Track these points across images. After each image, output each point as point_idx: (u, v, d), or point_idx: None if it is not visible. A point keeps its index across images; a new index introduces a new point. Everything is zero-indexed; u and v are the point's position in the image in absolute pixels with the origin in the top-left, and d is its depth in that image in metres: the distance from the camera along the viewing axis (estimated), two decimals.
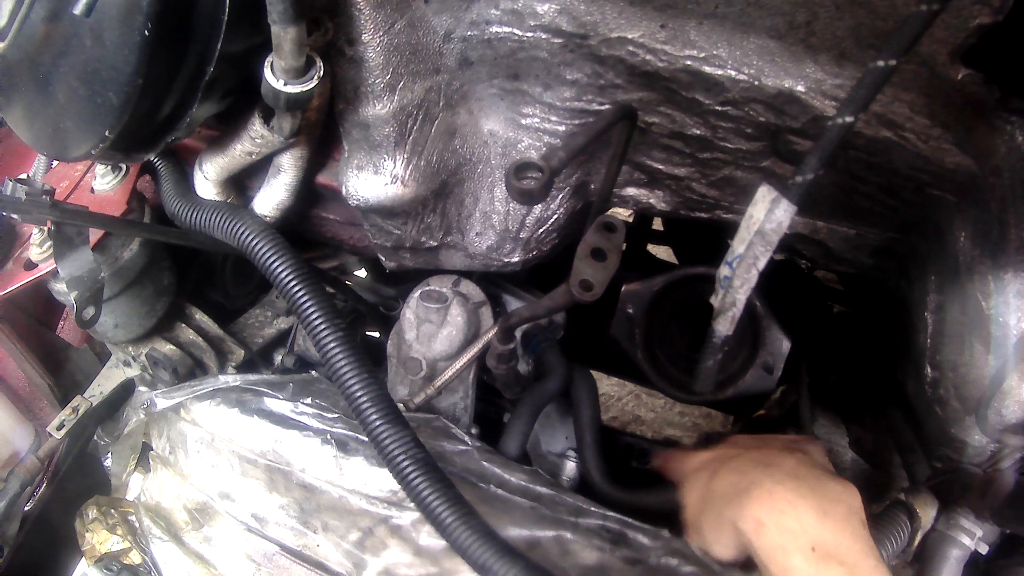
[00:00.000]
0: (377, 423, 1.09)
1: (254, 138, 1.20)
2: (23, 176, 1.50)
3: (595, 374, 1.50)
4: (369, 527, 1.25)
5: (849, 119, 0.82)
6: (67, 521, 1.58)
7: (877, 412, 1.55)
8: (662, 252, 2.09)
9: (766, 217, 0.88)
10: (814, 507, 0.95)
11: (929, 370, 1.19)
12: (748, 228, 0.91)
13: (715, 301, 1.03)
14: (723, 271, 0.98)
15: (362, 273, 1.94)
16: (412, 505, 1.07)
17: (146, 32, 0.95)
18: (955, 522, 1.27)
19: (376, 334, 1.90)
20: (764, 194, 0.90)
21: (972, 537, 1.26)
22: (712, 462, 1.16)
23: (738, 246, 0.94)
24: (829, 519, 0.94)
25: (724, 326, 1.05)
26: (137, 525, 1.48)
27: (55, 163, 1.47)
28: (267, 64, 1.04)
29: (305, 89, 1.05)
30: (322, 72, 1.05)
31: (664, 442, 1.87)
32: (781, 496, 0.97)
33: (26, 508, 1.69)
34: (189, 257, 1.57)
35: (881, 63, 0.79)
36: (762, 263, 0.93)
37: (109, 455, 1.65)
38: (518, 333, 1.40)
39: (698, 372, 1.17)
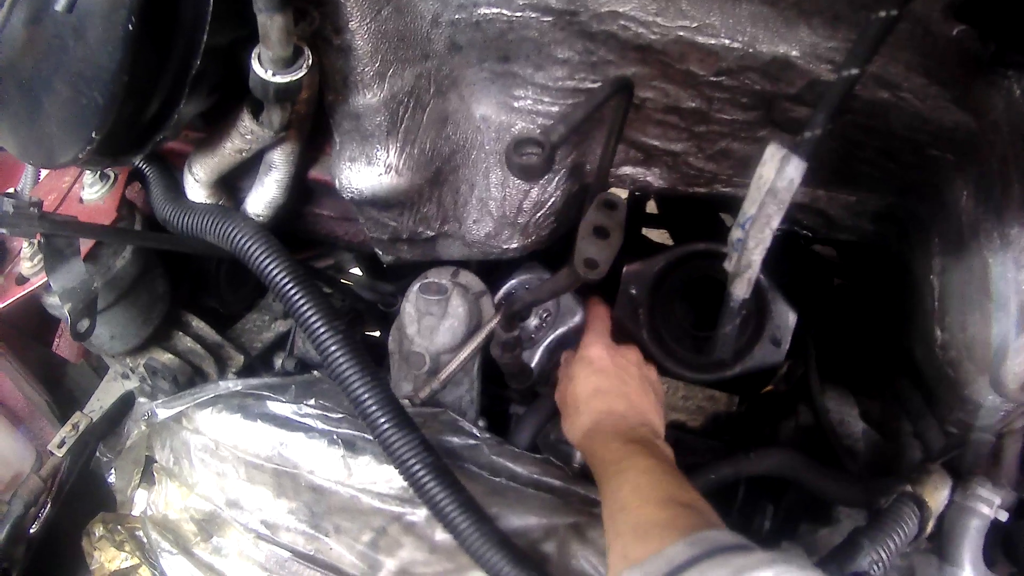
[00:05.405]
0: (385, 427, 1.08)
1: (244, 134, 1.18)
2: (10, 190, 1.48)
3: None
4: (382, 526, 1.23)
5: (855, 71, 0.81)
6: (74, 541, 1.56)
7: (885, 381, 1.53)
8: (658, 236, 2.06)
9: (777, 175, 0.87)
10: None
11: (939, 333, 1.18)
12: (759, 188, 0.90)
13: (729, 265, 1.01)
14: (735, 234, 0.96)
15: (358, 272, 1.91)
16: None
17: (130, 27, 0.94)
18: (972, 492, 1.24)
19: (376, 333, 1.88)
20: (773, 152, 0.88)
21: (991, 506, 1.23)
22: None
23: (749, 207, 0.92)
24: None
25: (741, 289, 1.03)
26: (145, 540, 1.46)
27: (43, 175, 1.45)
28: (255, 55, 1.02)
29: (294, 79, 1.03)
30: (310, 61, 1.04)
31: (669, 426, 1.84)
32: None
33: (32, 530, 1.66)
34: (183, 264, 1.55)
35: (883, 14, 0.78)
36: (775, 222, 0.92)
37: (112, 471, 1.63)
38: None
39: (715, 339, 1.15)
